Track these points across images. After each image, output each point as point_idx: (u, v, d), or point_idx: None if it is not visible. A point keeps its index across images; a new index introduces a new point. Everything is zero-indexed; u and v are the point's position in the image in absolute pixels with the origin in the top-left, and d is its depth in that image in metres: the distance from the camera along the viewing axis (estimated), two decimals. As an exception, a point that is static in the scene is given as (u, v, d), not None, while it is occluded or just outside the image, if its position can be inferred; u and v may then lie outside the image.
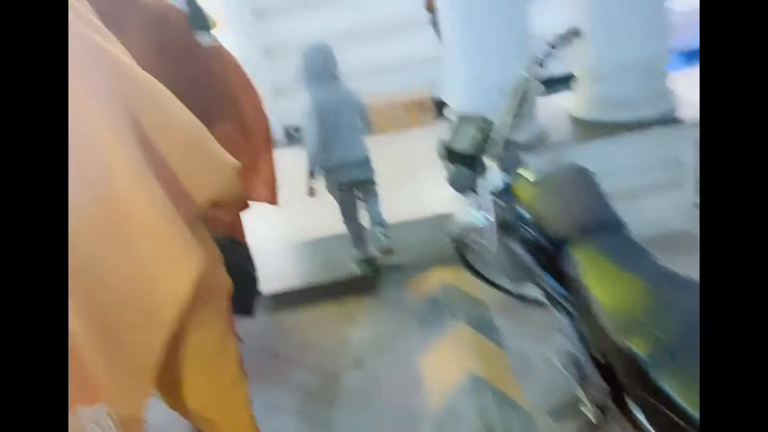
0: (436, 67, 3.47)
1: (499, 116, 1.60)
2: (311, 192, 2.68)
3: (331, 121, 2.57)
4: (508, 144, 1.57)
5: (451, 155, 1.69)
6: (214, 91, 2.36)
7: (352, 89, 2.68)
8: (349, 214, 2.81)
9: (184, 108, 1.27)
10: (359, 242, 2.87)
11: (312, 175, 2.65)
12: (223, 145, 1.35)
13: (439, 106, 4.63)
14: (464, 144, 1.65)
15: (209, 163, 1.29)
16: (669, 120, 2.54)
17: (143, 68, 1.22)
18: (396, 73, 4.99)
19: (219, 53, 2.44)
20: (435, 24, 3.91)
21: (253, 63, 4.82)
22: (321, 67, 2.59)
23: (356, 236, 2.87)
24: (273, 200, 2.55)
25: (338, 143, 2.60)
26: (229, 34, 4.91)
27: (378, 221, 2.83)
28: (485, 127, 1.63)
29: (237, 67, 2.51)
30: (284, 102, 4.73)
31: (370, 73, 4.75)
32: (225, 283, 1.40)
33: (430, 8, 4.05)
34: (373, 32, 4.96)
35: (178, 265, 1.18)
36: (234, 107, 2.45)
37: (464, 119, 1.74)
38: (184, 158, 1.23)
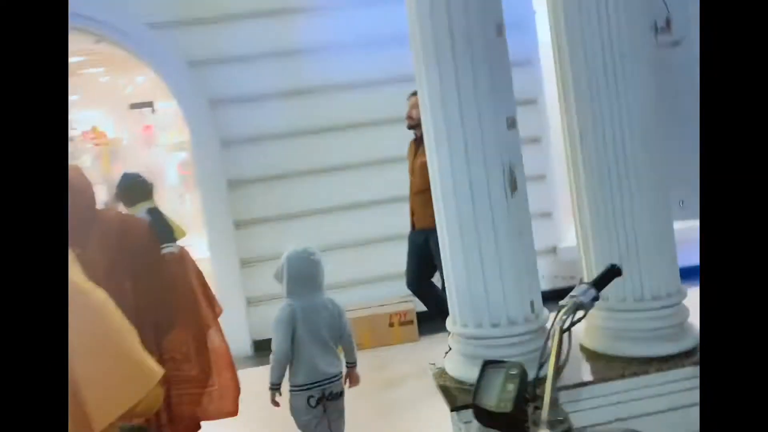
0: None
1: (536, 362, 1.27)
2: (275, 403, 2.50)
3: (308, 331, 2.44)
4: (555, 402, 1.22)
5: (479, 414, 1.31)
6: (172, 300, 2.43)
7: (333, 300, 2.58)
8: None
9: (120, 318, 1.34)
10: None
11: (276, 387, 2.48)
12: (170, 353, 1.60)
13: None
14: (495, 399, 1.27)
15: (130, 371, 1.31)
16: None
17: (101, 280, 1.35)
18: (378, 285, 4.81)
19: (181, 262, 2.53)
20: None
21: (229, 274, 4.69)
22: (307, 275, 2.49)
23: None
24: (232, 412, 2.53)
25: (314, 354, 2.45)
26: (205, 242, 4.88)
27: None
28: (521, 376, 1.28)
29: (199, 277, 2.59)
30: (258, 314, 4.52)
31: (353, 284, 4.61)
32: None
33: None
34: (359, 244, 4.90)
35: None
36: (192, 316, 2.49)
37: (491, 367, 1.37)
38: (104, 368, 1.26)
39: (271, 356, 2.46)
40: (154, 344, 2.14)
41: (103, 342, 1.28)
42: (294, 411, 2.48)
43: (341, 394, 2.55)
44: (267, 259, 4.00)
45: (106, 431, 1.23)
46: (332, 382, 2.48)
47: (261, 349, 4.22)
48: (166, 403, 1.76)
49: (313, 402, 2.42)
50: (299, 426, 2.49)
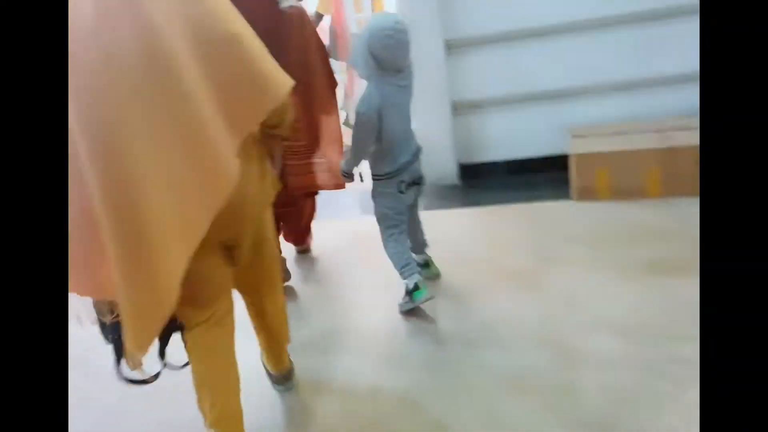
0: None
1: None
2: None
3: (396, 116, 2.05)
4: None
5: None
6: (285, 58, 1.96)
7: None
8: (400, 220, 2.24)
9: (243, 20, 1.24)
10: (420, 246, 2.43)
11: (350, 174, 2.21)
12: None
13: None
14: None
15: (265, 81, 1.24)
16: None
17: None
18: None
19: (299, 19, 2.26)
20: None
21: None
22: (402, 56, 1.99)
23: (415, 244, 2.41)
24: (340, 185, 2.45)
25: (402, 139, 2.12)
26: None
27: (422, 238, 2.42)
28: None
29: (319, 44, 2.36)
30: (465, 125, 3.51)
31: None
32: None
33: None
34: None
35: (225, 168, 1.18)
36: (305, 85, 2.22)
37: None
38: (240, 68, 1.20)
39: (350, 149, 2.16)
40: None
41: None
42: (378, 198, 2.22)
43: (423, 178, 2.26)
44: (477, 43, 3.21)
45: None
46: (418, 162, 2.20)
47: (469, 176, 3.50)
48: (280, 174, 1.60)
49: (403, 187, 2.16)
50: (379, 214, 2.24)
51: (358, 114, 1.99)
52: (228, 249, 1.41)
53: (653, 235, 2.43)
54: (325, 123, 2.43)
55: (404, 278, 2.17)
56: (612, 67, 3.02)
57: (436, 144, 3.26)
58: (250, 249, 1.47)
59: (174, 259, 1.14)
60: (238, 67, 1.19)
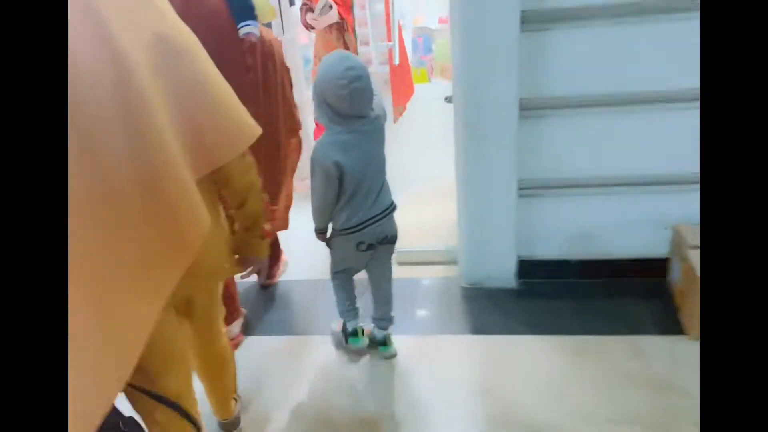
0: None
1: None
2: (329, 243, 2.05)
3: (358, 165, 1.84)
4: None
5: None
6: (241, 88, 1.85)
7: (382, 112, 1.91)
8: (351, 282, 2.18)
9: (211, 62, 1.20)
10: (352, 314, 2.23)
11: (322, 231, 2.02)
12: None
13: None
14: None
15: (231, 121, 1.22)
16: None
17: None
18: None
19: (265, 50, 2.11)
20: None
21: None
22: (361, 103, 1.79)
23: (378, 315, 2.21)
24: (284, 227, 2.50)
25: (367, 192, 1.88)
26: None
27: (387, 313, 2.19)
28: None
29: (282, 77, 2.23)
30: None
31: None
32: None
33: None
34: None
35: (196, 216, 1.13)
36: (267, 121, 2.08)
37: None
38: (207, 111, 1.15)
39: (312, 203, 1.94)
40: None
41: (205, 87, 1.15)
42: (334, 250, 2.06)
43: (395, 238, 2.02)
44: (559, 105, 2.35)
45: None
46: (389, 220, 1.96)
47: (528, 275, 2.62)
48: None
49: (363, 248, 1.95)
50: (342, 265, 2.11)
51: (312, 162, 1.84)
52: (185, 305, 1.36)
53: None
54: (277, 166, 2.32)
55: (343, 320, 2.21)
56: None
57: (492, 232, 2.47)
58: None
59: (138, 321, 1.05)
60: (205, 110, 1.14)
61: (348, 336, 2.19)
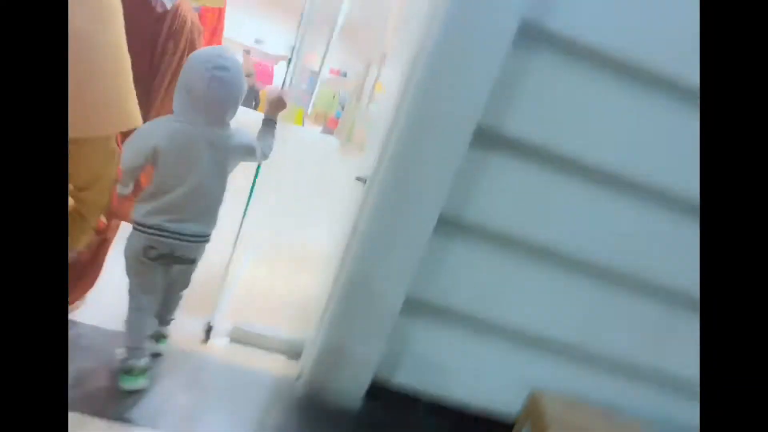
0: None
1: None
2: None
3: (183, 170, 1.72)
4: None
5: None
6: (157, 59, 1.93)
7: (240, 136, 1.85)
8: (147, 294, 1.87)
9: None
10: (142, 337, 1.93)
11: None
12: None
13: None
14: None
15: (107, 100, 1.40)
16: None
17: None
18: None
19: (174, 18, 2.06)
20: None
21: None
22: (220, 100, 1.71)
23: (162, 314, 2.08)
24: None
25: (182, 199, 1.74)
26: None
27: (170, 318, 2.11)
28: None
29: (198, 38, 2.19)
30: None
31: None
32: None
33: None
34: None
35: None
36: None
37: None
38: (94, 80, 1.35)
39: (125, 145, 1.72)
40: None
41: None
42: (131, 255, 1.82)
43: (196, 262, 1.92)
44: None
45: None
46: (197, 243, 1.84)
47: (376, 398, 2.29)
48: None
49: (151, 254, 1.77)
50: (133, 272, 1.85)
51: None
52: None
53: None
54: None
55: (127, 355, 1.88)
56: (610, 336, 2.26)
57: (358, 335, 2.12)
58: None
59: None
60: (104, 77, 1.37)
61: (126, 373, 1.85)
